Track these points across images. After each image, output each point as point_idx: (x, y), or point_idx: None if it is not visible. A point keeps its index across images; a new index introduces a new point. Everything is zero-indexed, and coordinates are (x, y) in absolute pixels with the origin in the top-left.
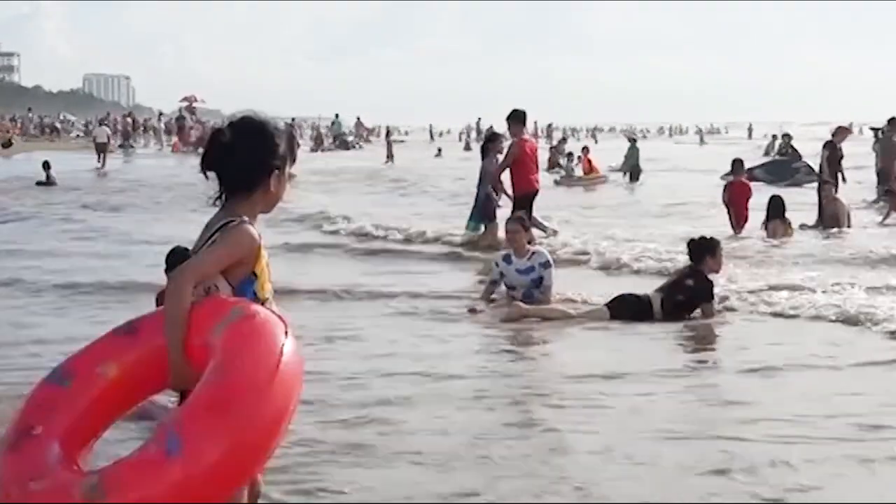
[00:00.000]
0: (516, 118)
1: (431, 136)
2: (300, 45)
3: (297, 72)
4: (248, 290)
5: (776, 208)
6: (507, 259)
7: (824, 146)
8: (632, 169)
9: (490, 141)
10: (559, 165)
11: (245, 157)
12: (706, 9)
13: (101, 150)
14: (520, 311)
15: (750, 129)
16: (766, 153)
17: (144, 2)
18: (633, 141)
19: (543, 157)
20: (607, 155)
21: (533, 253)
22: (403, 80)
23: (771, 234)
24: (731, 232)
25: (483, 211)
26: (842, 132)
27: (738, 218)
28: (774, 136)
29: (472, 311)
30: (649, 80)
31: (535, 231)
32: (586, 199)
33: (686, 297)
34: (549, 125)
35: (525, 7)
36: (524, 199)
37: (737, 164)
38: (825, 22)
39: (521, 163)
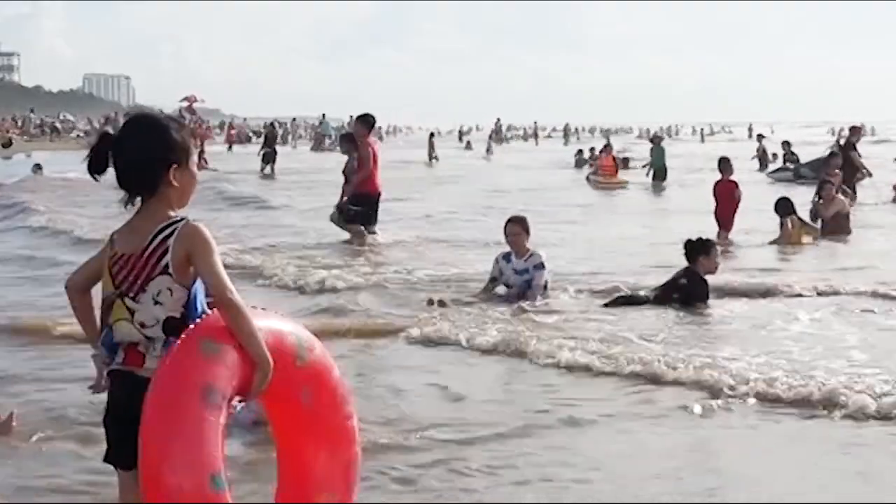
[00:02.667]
0: (366, 122)
1: (461, 137)
2: (300, 45)
3: (297, 72)
4: (198, 289)
5: (784, 209)
6: (506, 258)
7: (843, 147)
8: (657, 169)
9: (350, 142)
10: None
11: (137, 156)
12: (705, 9)
13: None
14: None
15: (750, 129)
16: (757, 156)
17: (144, 2)
18: (658, 140)
19: (555, 157)
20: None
21: (531, 255)
22: (403, 79)
23: (784, 234)
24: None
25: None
26: (856, 132)
27: (721, 217)
28: (760, 136)
29: (431, 302)
30: (649, 79)
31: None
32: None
33: (681, 296)
34: (566, 125)
35: (524, 7)
36: (370, 201)
37: (723, 162)
38: (825, 22)
39: (370, 166)
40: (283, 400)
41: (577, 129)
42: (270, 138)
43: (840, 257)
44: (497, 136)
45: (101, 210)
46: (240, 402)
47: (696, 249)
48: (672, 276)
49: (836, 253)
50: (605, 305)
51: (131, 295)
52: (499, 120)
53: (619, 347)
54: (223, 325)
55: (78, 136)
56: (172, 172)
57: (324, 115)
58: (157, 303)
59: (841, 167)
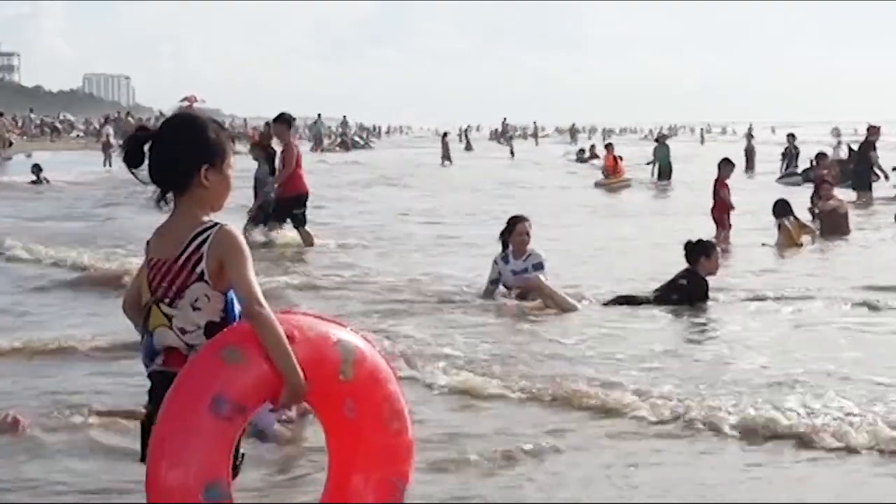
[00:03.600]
0: (285, 121)
1: (462, 137)
2: (300, 45)
3: (297, 72)
4: (231, 296)
5: (781, 210)
6: (505, 259)
7: (861, 146)
8: (662, 168)
9: (261, 148)
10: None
11: (169, 154)
12: (705, 9)
13: (108, 149)
14: (535, 285)
15: (750, 129)
16: (747, 153)
17: (144, 2)
18: (662, 139)
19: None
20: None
21: (529, 255)
22: (403, 79)
23: (782, 236)
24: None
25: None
26: (874, 131)
27: (717, 218)
28: (751, 136)
29: None
30: (649, 79)
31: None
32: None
33: (681, 296)
34: (573, 125)
35: (524, 7)
36: (298, 201)
37: (722, 163)
38: (825, 22)
39: (296, 166)
40: (325, 411)
41: (577, 129)
42: (265, 137)
43: (830, 261)
44: (504, 135)
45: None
46: (271, 410)
47: (697, 250)
48: (672, 276)
49: (829, 256)
50: (605, 305)
51: (167, 301)
52: (505, 119)
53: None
54: (254, 333)
55: (78, 135)
56: (204, 173)
57: (319, 115)
58: (195, 309)
59: (856, 166)
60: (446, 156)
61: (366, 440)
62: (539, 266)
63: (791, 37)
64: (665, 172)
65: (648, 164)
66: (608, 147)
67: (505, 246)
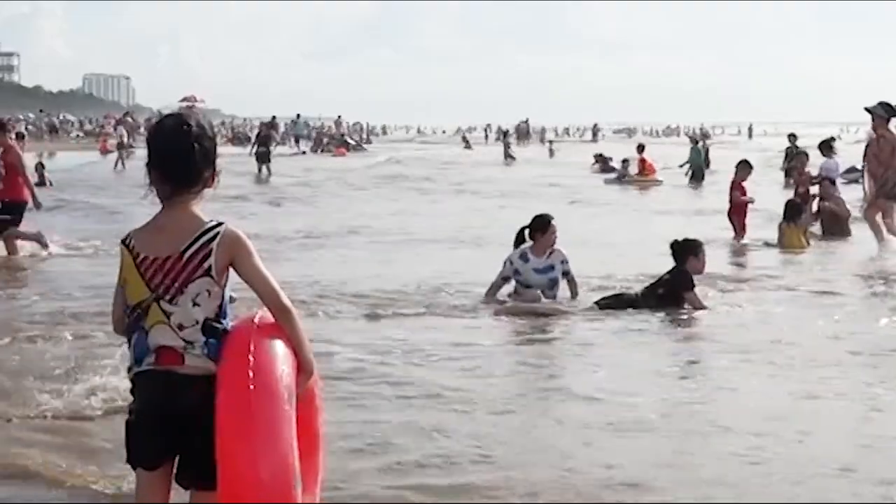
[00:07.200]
0: (3, 129)
1: (462, 136)
2: (300, 45)
3: (297, 72)
4: (226, 295)
5: (789, 212)
6: (523, 257)
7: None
8: (695, 169)
9: None
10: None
11: (203, 156)
12: (705, 9)
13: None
14: (510, 308)
15: (750, 130)
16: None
17: (144, 2)
18: (695, 142)
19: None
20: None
21: (552, 252)
22: (403, 79)
23: (781, 238)
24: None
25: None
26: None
27: (732, 219)
28: (705, 135)
29: None
30: (649, 79)
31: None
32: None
33: (666, 289)
34: (595, 125)
35: (524, 7)
36: (17, 208)
37: (739, 164)
38: (825, 22)
39: (17, 169)
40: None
41: (575, 130)
42: (264, 136)
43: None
44: (525, 136)
45: None
46: None
47: (685, 250)
48: (659, 277)
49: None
50: (596, 303)
51: (168, 298)
52: (527, 120)
53: None
54: (280, 327)
55: (78, 136)
56: (217, 175)
57: (298, 115)
58: (195, 304)
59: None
60: (508, 154)
61: (307, 429)
62: (567, 261)
63: (791, 37)
64: (698, 174)
65: (682, 165)
66: (640, 148)
67: (520, 242)
